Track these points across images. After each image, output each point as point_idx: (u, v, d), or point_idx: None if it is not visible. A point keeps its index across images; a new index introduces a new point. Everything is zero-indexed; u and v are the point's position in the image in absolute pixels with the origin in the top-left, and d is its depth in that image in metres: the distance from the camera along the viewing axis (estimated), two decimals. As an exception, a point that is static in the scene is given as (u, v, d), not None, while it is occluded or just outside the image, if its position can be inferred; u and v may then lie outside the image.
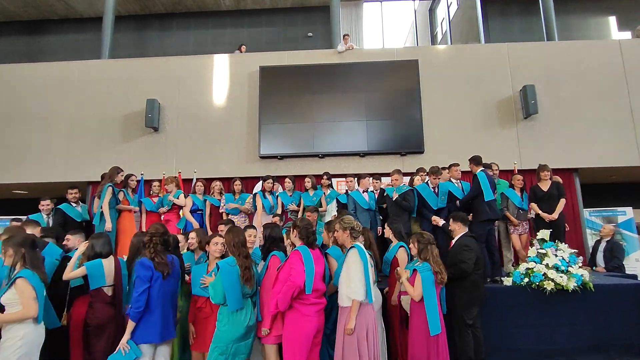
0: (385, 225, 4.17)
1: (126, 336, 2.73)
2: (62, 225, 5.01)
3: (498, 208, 4.87)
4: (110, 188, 5.05)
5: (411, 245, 3.41)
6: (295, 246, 3.08)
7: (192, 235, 3.73)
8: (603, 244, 5.77)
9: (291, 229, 3.17)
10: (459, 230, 3.85)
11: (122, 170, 5.32)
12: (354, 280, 2.84)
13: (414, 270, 3.26)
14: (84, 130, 7.67)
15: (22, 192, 8.56)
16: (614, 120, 7.26)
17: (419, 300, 3.12)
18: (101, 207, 4.97)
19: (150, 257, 2.88)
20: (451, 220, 3.97)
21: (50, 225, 4.99)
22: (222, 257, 3.18)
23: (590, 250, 6.95)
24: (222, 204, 5.52)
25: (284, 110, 7.53)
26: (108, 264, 3.21)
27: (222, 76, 7.89)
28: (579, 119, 7.29)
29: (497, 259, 4.73)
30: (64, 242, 3.82)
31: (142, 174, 6.49)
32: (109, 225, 4.91)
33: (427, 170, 5.26)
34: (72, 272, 3.17)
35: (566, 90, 7.40)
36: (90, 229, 5.13)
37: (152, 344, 2.81)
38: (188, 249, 3.74)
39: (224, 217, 5.43)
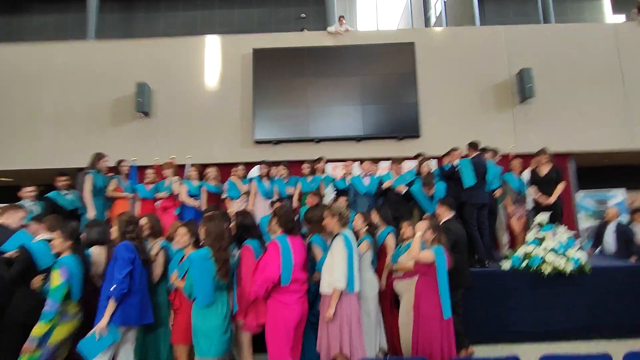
0: (373, 210, 4.15)
1: (105, 319, 2.67)
2: (51, 213, 4.85)
3: (487, 192, 4.85)
4: (89, 175, 4.89)
5: (427, 232, 3.30)
6: (281, 233, 3.02)
7: (143, 220, 3.35)
8: (611, 227, 5.80)
9: (272, 217, 3.12)
10: (444, 214, 3.91)
11: (105, 156, 5.15)
12: (337, 268, 2.82)
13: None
14: (71, 115, 7.41)
15: (7, 179, 8.30)
16: (607, 104, 7.29)
17: (420, 261, 3.07)
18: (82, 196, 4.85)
19: (132, 241, 2.88)
20: (438, 204, 4.02)
21: (37, 213, 4.82)
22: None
23: (583, 233, 7.09)
24: (224, 191, 5.46)
25: (278, 94, 7.37)
26: (98, 253, 3.15)
27: (214, 59, 7.67)
28: (574, 103, 7.30)
29: (487, 243, 4.76)
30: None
31: (134, 160, 6.33)
32: (91, 214, 4.78)
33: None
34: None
35: (562, 74, 7.39)
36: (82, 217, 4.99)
37: (125, 327, 2.78)
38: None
39: (227, 203, 5.39)
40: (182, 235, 3.01)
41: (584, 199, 7.60)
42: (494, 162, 5.39)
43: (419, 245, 3.10)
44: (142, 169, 6.34)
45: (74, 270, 2.81)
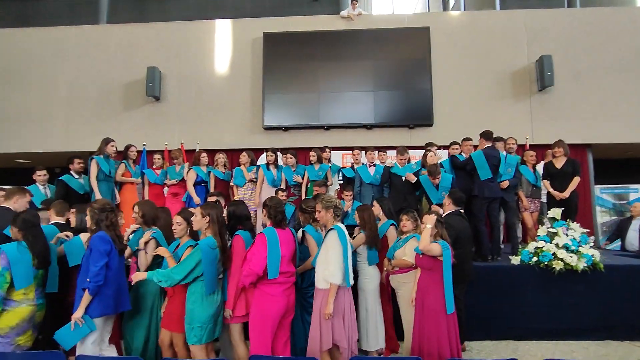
0: (374, 202, 4.05)
1: (80, 310, 2.69)
2: (64, 197, 4.92)
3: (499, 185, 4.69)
4: (95, 160, 4.91)
5: (426, 222, 3.20)
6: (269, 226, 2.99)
7: (135, 209, 3.27)
8: (635, 223, 5.57)
9: (261, 208, 3.09)
10: (448, 206, 3.82)
11: (112, 141, 5.14)
12: (332, 263, 2.77)
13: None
14: (83, 98, 7.48)
15: (24, 161, 8.48)
16: (632, 94, 6.93)
17: (429, 253, 3.00)
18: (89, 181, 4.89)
19: (107, 231, 2.86)
20: (446, 196, 3.92)
21: (49, 196, 4.90)
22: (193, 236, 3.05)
23: (600, 228, 6.86)
24: (232, 178, 5.44)
25: (288, 79, 7.26)
26: (86, 240, 3.15)
27: (224, 43, 7.57)
28: (596, 92, 6.97)
29: (497, 237, 4.62)
30: (69, 217, 3.75)
31: (144, 145, 6.36)
32: (98, 199, 4.82)
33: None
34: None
35: (584, 61, 7.04)
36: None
37: (103, 317, 2.80)
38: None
39: (235, 190, 5.37)
40: (178, 224, 2.99)
41: (602, 193, 7.33)
42: (509, 153, 5.18)
43: (429, 237, 3.02)
44: (151, 153, 6.37)
45: (16, 257, 2.77)
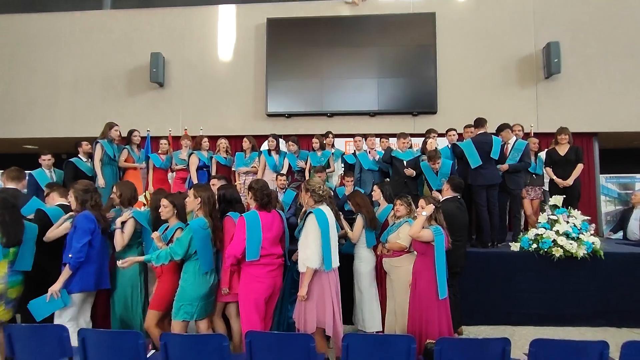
0: (375, 186, 4.06)
1: (59, 284, 2.77)
2: (73, 179, 4.99)
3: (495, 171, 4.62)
4: (100, 144, 4.98)
5: (423, 209, 3.17)
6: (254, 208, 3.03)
7: (114, 189, 3.32)
8: (637, 212, 5.52)
9: (247, 191, 3.10)
10: (446, 192, 3.82)
11: (116, 125, 5.19)
12: (310, 247, 2.77)
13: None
14: (88, 84, 7.53)
15: (32, 146, 8.59)
16: (641, 81, 6.81)
17: (420, 239, 3.03)
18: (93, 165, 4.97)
19: (92, 211, 2.95)
20: (445, 182, 3.93)
21: (54, 180, 4.98)
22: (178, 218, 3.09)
23: (604, 217, 6.83)
24: (233, 164, 5.47)
25: (292, 66, 7.23)
26: None
27: (228, 29, 7.54)
28: (604, 79, 6.85)
29: (496, 224, 4.60)
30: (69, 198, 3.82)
31: (148, 131, 6.40)
32: (101, 182, 4.88)
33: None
34: (54, 231, 3.14)
35: (593, 48, 6.90)
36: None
37: (82, 294, 2.87)
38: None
39: (236, 176, 5.41)
40: (164, 207, 3.03)
41: (607, 182, 7.26)
42: (517, 137, 5.04)
43: (422, 224, 3.04)
44: (155, 139, 6.42)
45: None
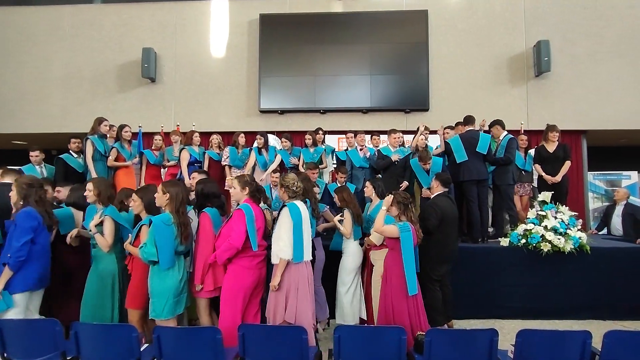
0: (367, 182, 4.10)
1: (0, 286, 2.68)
2: (63, 175, 4.97)
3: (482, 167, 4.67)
4: (90, 140, 4.93)
5: (390, 208, 3.22)
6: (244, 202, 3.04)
7: (90, 186, 3.13)
8: (619, 209, 5.66)
9: (239, 185, 3.10)
10: (436, 188, 3.89)
11: (105, 120, 5.15)
12: (283, 238, 2.84)
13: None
14: (79, 79, 7.45)
15: (21, 142, 8.49)
16: (628, 80, 6.92)
17: (377, 231, 3.08)
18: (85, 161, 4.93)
19: (36, 207, 2.84)
20: (433, 178, 3.99)
21: (45, 176, 4.94)
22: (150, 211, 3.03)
23: (591, 214, 6.95)
24: (224, 157, 5.44)
25: (285, 62, 7.23)
26: (77, 214, 3.26)
27: (220, 24, 7.50)
28: (593, 78, 6.96)
29: (485, 220, 4.68)
30: (54, 194, 3.80)
31: (140, 127, 6.35)
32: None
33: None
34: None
35: (582, 47, 7.01)
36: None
37: (26, 293, 2.79)
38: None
39: (227, 170, 5.36)
40: (133, 201, 3.00)
41: (595, 179, 7.40)
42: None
43: (383, 219, 3.09)
44: (147, 135, 6.39)
45: None
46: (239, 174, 4.15)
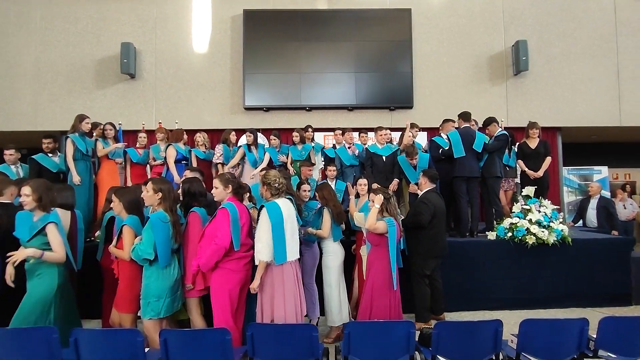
0: (359, 180, 4.12)
1: None
2: (37, 176, 4.72)
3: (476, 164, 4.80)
4: (70, 139, 4.70)
5: (374, 201, 3.24)
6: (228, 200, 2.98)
7: (26, 191, 2.72)
8: (594, 202, 5.94)
9: (221, 184, 3.02)
10: (425, 185, 3.95)
11: (87, 117, 4.91)
12: (261, 240, 2.80)
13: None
14: (53, 74, 7.12)
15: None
16: (599, 80, 7.29)
17: (371, 228, 3.10)
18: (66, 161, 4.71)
19: None
20: (420, 174, 4.06)
21: (21, 176, 4.70)
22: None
23: (566, 207, 7.28)
24: (217, 155, 5.35)
25: (269, 59, 7.16)
26: (63, 215, 3.09)
27: (203, 19, 7.34)
28: (567, 77, 7.29)
29: (476, 216, 4.85)
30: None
31: (120, 124, 6.14)
32: (76, 179, 4.62)
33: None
34: None
35: (557, 47, 7.32)
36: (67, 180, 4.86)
37: None
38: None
39: (220, 169, 5.29)
40: (113, 203, 2.95)
41: (569, 174, 7.76)
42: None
43: (375, 216, 3.12)
44: (127, 133, 6.19)
45: None
46: (220, 173, 4.10)
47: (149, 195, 2.84)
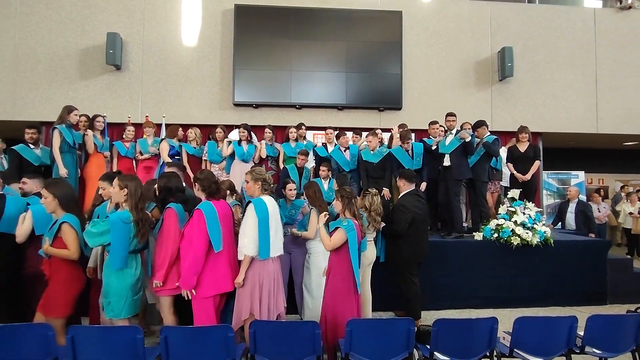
0: (337, 194, 4.04)
1: None
2: (18, 169, 4.53)
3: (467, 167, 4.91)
4: (57, 130, 4.55)
5: (335, 202, 3.17)
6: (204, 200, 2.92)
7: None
8: (572, 206, 6.18)
9: (193, 182, 2.98)
10: (404, 187, 3.85)
11: (75, 109, 4.77)
12: (247, 235, 2.80)
13: (336, 227, 3.01)
14: (33, 63, 6.84)
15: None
16: (579, 88, 7.61)
17: (331, 250, 3.01)
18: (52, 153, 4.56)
19: None
20: (397, 177, 3.98)
21: (5, 167, 4.51)
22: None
23: (545, 209, 7.55)
24: (205, 152, 5.31)
25: (260, 55, 7.10)
26: None
27: (193, 11, 7.21)
28: (549, 84, 7.56)
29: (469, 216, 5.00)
30: (20, 186, 3.52)
31: (104, 116, 5.97)
32: (62, 172, 4.48)
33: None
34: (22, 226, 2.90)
35: (541, 54, 7.58)
36: (49, 174, 4.68)
37: None
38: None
39: (208, 165, 5.30)
40: (45, 198, 2.77)
41: (549, 178, 8.06)
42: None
43: (326, 236, 3.00)
44: (112, 125, 6.04)
45: None
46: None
47: (115, 191, 2.71)
